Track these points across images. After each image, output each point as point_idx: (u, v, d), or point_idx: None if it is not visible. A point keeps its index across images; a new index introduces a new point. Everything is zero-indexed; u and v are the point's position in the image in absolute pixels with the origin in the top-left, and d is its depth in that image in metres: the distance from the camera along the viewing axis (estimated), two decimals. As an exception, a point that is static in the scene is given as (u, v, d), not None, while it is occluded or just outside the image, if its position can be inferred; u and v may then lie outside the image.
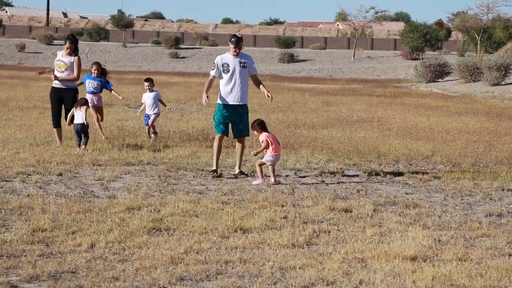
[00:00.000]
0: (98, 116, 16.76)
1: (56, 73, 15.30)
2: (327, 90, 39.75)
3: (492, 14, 77.06)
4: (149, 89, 17.26)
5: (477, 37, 75.60)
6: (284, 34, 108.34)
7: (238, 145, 13.08)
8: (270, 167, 12.33)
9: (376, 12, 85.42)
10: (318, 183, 12.32)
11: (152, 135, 17.01)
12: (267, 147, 12.41)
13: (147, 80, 17.54)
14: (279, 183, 12.19)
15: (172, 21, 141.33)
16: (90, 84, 16.91)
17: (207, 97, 12.70)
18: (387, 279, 7.12)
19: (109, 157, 14.09)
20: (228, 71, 12.83)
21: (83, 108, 14.93)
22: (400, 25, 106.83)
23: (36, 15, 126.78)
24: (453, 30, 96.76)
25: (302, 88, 41.63)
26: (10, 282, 6.79)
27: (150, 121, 16.99)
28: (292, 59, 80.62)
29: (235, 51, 12.88)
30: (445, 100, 33.71)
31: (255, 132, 12.76)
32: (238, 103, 12.82)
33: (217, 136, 12.91)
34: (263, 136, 12.50)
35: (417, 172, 13.57)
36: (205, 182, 12.23)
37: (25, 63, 72.32)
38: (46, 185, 11.44)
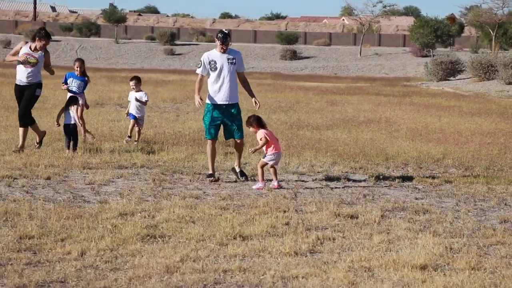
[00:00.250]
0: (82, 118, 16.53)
1: (23, 68, 14.80)
2: (332, 89, 39.78)
3: (507, 8, 77.40)
4: (133, 88, 16.97)
5: (491, 32, 75.62)
6: (286, 29, 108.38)
7: (236, 145, 13.09)
8: (271, 169, 12.34)
9: (384, 6, 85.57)
10: (322, 188, 12.34)
11: (135, 143, 16.28)
12: (266, 144, 12.38)
13: (132, 78, 17.23)
14: (282, 188, 12.20)
15: (167, 16, 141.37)
16: (73, 83, 16.69)
17: (200, 98, 12.68)
18: (396, 289, 7.14)
19: (100, 160, 14.11)
20: (216, 68, 12.77)
21: (74, 107, 14.95)
22: (409, 20, 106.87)
23: (23, 9, 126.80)
24: (466, 25, 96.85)
25: (305, 86, 41.66)
26: (-5, 292, 6.80)
27: (138, 129, 16.66)
28: (294, 56, 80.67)
29: (222, 48, 12.80)
30: (457, 100, 33.73)
31: (251, 129, 12.75)
32: (227, 103, 12.76)
33: (208, 142, 12.91)
34: (261, 133, 12.48)
35: (427, 176, 13.58)
36: (202, 186, 12.25)
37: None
38: (33, 190, 11.45)
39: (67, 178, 12.52)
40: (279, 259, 8.06)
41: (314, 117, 23.93)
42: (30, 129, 15.12)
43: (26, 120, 14.81)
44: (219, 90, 12.75)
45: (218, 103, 12.75)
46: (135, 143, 16.29)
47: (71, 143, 14.87)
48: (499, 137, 19.49)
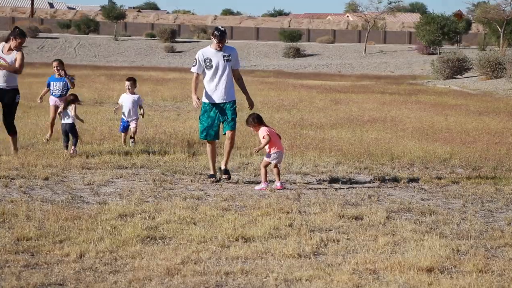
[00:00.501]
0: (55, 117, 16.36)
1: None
2: (336, 87, 39.77)
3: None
4: (129, 89, 16.26)
5: (499, 29, 75.58)
6: (289, 26, 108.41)
7: (226, 142, 12.81)
8: (275, 170, 12.34)
9: (390, 3, 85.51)
10: (326, 188, 12.34)
11: (131, 143, 16.00)
12: (269, 143, 12.36)
13: (129, 79, 16.53)
14: (285, 188, 12.21)
15: (168, 13, 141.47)
16: (54, 87, 16.46)
17: (198, 98, 12.62)
18: (401, 292, 7.15)
19: (100, 160, 14.12)
20: (211, 66, 12.67)
21: (72, 106, 14.96)
22: (415, 17, 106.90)
23: (20, 5, 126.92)
24: (473, 22, 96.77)
25: (308, 85, 41.66)
26: (-8, 294, 6.82)
27: (132, 129, 16.09)
28: (298, 53, 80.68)
29: (218, 46, 12.67)
30: (464, 98, 33.72)
31: (252, 128, 12.74)
32: (224, 101, 12.70)
33: (207, 144, 12.89)
34: (263, 131, 12.46)
35: (433, 177, 13.58)
36: (204, 187, 12.26)
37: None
38: (31, 190, 11.47)
39: (65, 178, 12.53)
40: (282, 261, 8.07)
41: (317, 116, 23.94)
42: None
43: (13, 129, 14.65)
44: (215, 89, 12.68)
45: (216, 102, 12.69)
46: (131, 140, 16.00)
47: (71, 141, 14.85)
48: (507, 137, 19.49)
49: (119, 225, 9.29)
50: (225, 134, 12.84)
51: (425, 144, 17.59)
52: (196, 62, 12.77)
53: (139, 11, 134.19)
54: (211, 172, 12.83)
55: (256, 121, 12.56)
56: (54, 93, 16.69)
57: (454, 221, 10.18)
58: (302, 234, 9.14)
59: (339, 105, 28.48)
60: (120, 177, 12.77)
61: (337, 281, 7.39)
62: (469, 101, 32.08)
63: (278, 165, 12.48)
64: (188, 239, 8.76)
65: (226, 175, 12.72)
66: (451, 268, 7.98)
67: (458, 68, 51.49)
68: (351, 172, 13.88)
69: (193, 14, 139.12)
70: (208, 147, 12.95)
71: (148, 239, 8.74)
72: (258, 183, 12.43)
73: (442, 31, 77.23)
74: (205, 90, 12.77)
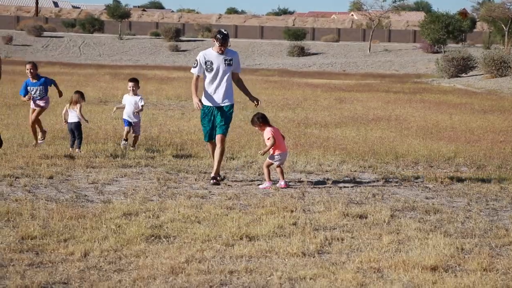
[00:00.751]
0: (39, 119, 15.69)
1: None
2: (341, 86, 39.76)
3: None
4: (132, 90, 15.75)
5: (504, 28, 75.47)
6: (293, 25, 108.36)
7: (216, 149, 12.56)
8: (278, 169, 12.34)
9: (394, 1, 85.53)
10: (331, 187, 12.34)
11: (131, 148, 15.50)
12: (274, 145, 12.35)
13: (132, 80, 16.01)
14: (289, 187, 12.21)
15: (172, 11, 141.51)
16: (32, 91, 15.63)
17: (199, 100, 12.49)
18: (406, 291, 7.15)
19: (104, 159, 14.14)
20: (212, 69, 12.53)
21: (78, 105, 14.98)
22: (420, 15, 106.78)
23: (24, 5, 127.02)
24: (478, 21, 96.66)
25: (313, 83, 41.65)
26: (-3, 293, 6.83)
27: (136, 133, 15.68)
28: (302, 52, 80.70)
29: (220, 49, 12.49)
30: (469, 97, 33.69)
31: (257, 128, 12.72)
32: (223, 104, 12.56)
33: (208, 144, 12.87)
34: (268, 133, 12.44)
35: (438, 175, 13.57)
36: (208, 185, 12.26)
37: (12, 56, 72.44)
38: (35, 189, 11.48)
39: (70, 177, 12.55)
40: (286, 260, 8.07)
41: (322, 114, 23.93)
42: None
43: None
44: (214, 92, 12.55)
45: (214, 105, 12.57)
46: (132, 148, 15.50)
47: (76, 141, 14.89)
48: (512, 135, 19.47)
49: (123, 223, 9.30)
50: (214, 138, 12.61)
51: (430, 143, 17.58)
52: (197, 64, 12.63)
53: (143, 10, 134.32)
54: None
55: (261, 120, 12.53)
56: (34, 97, 15.65)
57: (459, 219, 10.17)
58: (306, 233, 9.14)
59: (344, 103, 28.47)
60: (125, 175, 12.78)
61: (341, 280, 7.39)
62: (474, 99, 32.05)
63: (281, 165, 12.48)
64: (192, 238, 8.77)
65: (213, 180, 12.35)
66: (456, 266, 7.98)
67: (462, 66, 51.45)
68: (355, 171, 13.88)
69: (197, 13, 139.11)
70: (209, 149, 12.93)
71: (153, 237, 8.74)
72: (263, 182, 12.43)
73: (447, 30, 77.17)
74: (204, 93, 12.69)
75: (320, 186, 12.43)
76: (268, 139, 12.40)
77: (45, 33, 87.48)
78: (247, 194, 11.56)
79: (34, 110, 15.68)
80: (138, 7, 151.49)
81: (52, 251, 8.12)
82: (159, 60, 75.06)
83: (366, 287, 7.25)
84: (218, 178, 12.51)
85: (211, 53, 12.63)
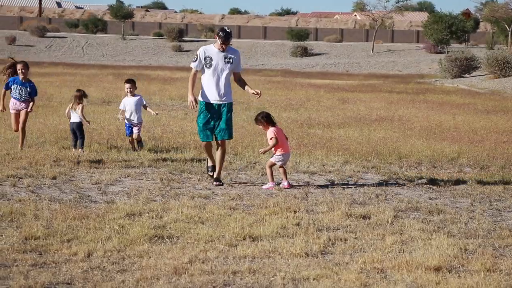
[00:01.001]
0: (23, 123, 15.16)
1: None
2: (344, 86, 39.76)
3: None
4: (130, 92, 15.59)
5: (507, 28, 75.44)
6: (296, 25, 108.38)
7: (218, 150, 12.55)
8: (281, 170, 12.34)
9: (397, 2, 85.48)
10: (334, 187, 12.34)
11: (139, 147, 15.47)
12: (276, 145, 12.35)
13: (129, 81, 15.83)
14: (292, 187, 12.21)
15: (175, 12, 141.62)
16: (16, 90, 15.14)
17: (195, 99, 12.38)
18: (409, 291, 7.15)
19: (107, 159, 14.14)
20: (211, 65, 12.43)
21: (79, 106, 14.99)
22: (423, 16, 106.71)
23: (28, 5, 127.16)
24: (481, 21, 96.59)
25: (316, 84, 41.65)
26: (0, 293, 6.83)
27: (135, 135, 15.40)
28: (305, 52, 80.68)
29: (221, 46, 12.40)
30: (472, 97, 33.67)
31: (260, 127, 12.71)
32: (220, 102, 12.47)
33: (203, 144, 12.68)
34: (271, 133, 12.42)
35: (441, 176, 13.57)
36: (211, 186, 12.26)
37: (15, 57, 72.36)
38: (39, 189, 11.49)
39: (73, 177, 12.55)
40: (289, 260, 8.07)
41: (325, 115, 23.93)
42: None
43: None
44: (212, 89, 12.45)
45: (211, 102, 12.49)
46: (139, 145, 15.51)
47: (78, 141, 14.90)
48: (515, 136, 19.45)
49: (126, 224, 9.30)
50: (217, 141, 12.53)
51: (433, 143, 17.57)
52: (196, 58, 12.54)
53: (146, 10, 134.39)
54: (210, 163, 12.74)
55: (265, 119, 12.51)
56: (14, 96, 15.23)
57: (462, 220, 10.16)
58: (309, 233, 9.14)
59: (347, 104, 28.47)
60: (128, 176, 12.78)
61: (344, 280, 7.39)
62: (477, 100, 32.04)
63: (284, 165, 12.48)
64: (195, 238, 8.77)
65: (216, 182, 12.36)
66: (459, 267, 7.97)
67: (466, 67, 51.43)
68: (358, 171, 13.88)
69: (200, 13, 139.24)
70: (205, 151, 12.78)
71: (156, 238, 8.74)
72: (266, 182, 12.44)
73: (450, 30, 77.13)
74: (202, 89, 12.64)
75: (323, 186, 12.43)
76: (271, 139, 12.40)
77: (48, 34, 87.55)
78: (250, 195, 11.56)
79: (16, 115, 15.18)
80: (141, 7, 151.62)
81: (56, 251, 8.13)
82: (162, 61, 75.10)
83: (369, 287, 7.25)
84: (212, 173, 12.53)
85: (212, 49, 12.55)
